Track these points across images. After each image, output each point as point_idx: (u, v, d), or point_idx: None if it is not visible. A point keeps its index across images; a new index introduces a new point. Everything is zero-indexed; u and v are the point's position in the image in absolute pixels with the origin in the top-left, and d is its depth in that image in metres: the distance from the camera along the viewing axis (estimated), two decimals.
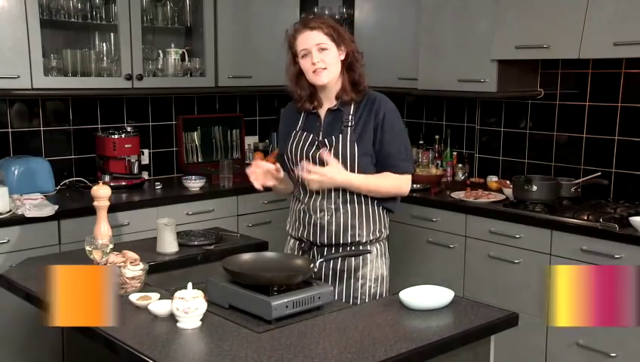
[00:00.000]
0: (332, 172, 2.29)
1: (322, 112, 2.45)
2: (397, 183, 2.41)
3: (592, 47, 3.25)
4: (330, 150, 2.36)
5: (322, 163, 2.35)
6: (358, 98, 2.40)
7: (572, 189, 3.60)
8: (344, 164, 2.35)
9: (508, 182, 3.89)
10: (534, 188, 3.46)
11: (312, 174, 2.27)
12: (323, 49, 2.33)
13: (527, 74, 3.86)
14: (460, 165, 4.27)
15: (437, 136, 4.37)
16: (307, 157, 2.40)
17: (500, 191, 3.83)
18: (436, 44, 3.96)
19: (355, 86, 2.40)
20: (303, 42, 2.35)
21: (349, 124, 2.38)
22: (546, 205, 3.43)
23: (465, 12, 3.82)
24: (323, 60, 2.33)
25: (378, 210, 2.45)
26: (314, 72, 2.35)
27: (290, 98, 2.55)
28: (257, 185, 2.41)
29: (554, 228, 3.27)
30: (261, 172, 2.42)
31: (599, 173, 3.64)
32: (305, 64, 2.36)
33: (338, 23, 2.42)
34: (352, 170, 2.36)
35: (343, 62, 2.38)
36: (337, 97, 2.41)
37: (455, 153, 4.32)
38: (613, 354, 3.10)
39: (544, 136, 3.95)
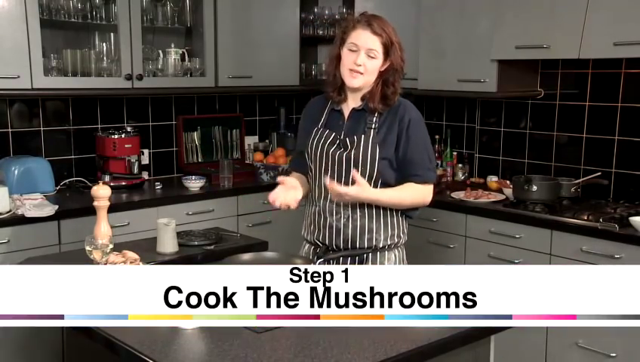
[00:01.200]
0: (358, 191, 2.23)
1: (346, 111, 2.40)
2: (420, 194, 2.36)
3: (592, 47, 3.25)
4: (351, 150, 2.33)
5: (340, 162, 2.34)
6: (382, 110, 2.35)
7: (572, 189, 3.60)
8: (364, 165, 2.32)
9: (508, 182, 3.89)
10: (534, 188, 3.46)
11: (337, 189, 2.23)
12: (372, 57, 2.29)
13: (527, 74, 3.86)
14: (460, 165, 4.27)
15: (437, 136, 4.37)
16: (328, 155, 2.37)
17: (500, 191, 3.83)
18: (436, 44, 3.96)
19: (384, 99, 2.35)
20: (357, 38, 2.30)
21: (373, 126, 2.34)
22: (546, 205, 3.43)
23: (465, 12, 3.82)
24: (365, 65, 2.29)
25: (397, 215, 2.40)
26: (351, 70, 2.31)
27: (313, 95, 2.53)
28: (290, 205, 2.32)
29: (554, 228, 3.27)
30: (285, 193, 2.33)
31: (599, 173, 3.64)
32: (347, 58, 2.31)
33: (396, 33, 2.34)
34: (372, 172, 2.32)
35: (381, 72, 2.34)
36: (363, 99, 2.37)
37: (455, 153, 4.31)
38: (613, 354, 3.10)
39: (544, 136, 3.95)
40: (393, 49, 2.31)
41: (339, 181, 2.35)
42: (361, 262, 2.38)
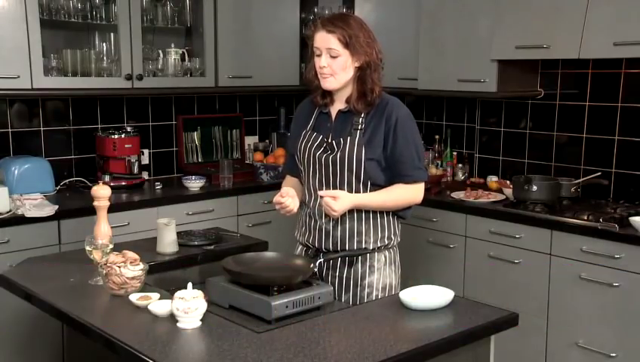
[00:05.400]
0: (337, 202, 2.22)
1: (333, 113, 2.41)
2: (408, 194, 2.35)
3: (592, 47, 3.25)
4: (337, 152, 2.33)
5: (327, 165, 2.34)
6: (365, 110, 2.33)
7: (572, 189, 3.60)
8: (350, 167, 2.31)
9: (508, 182, 3.89)
10: (534, 188, 3.46)
11: (326, 201, 2.21)
12: (333, 56, 2.28)
13: (527, 74, 3.86)
14: (460, 165, 4.27)
15: (437, 136, 4.37)
16: (315, 158, 2.37)
17: (500, 191, 3.83)
18: (436, 44, 3.96)
19: (362, 97, 2.33)
20: (317, 41, 2.31)
21: (359, 127, 2.33)
22: (546, 205, 3.43)
23: (465, 12, 3.82)
24: (330, 66, 2.28)
25: (387, 217, 2.40)
26: (321, 74, 2.32)
27: (304, 96, 2.55)
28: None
29: (554, 228, 3.27)
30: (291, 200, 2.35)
31: (599, 173, 3.64)
32: (316, 63, 2.33)
33: (362, 27, 2.33)
34: (359, 174, 2.32)
35: (357, 68, 2.32)
36: (348, 100, 2.37)
37: (455, 153, 4.32)
38: (613, 354, 3.10)
39: (544, 136, 3.95)
40: (353, 42, 2.27)
41: (327, 184, 2.36)
42: (350, 264, 2.39)
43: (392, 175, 2.35)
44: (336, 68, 2.29)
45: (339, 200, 2.23)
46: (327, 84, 2.32)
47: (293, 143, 2.50)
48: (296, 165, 2.49)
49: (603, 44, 3.20)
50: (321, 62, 2.29)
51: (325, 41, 2.28)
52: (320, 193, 2.28)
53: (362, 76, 2.32)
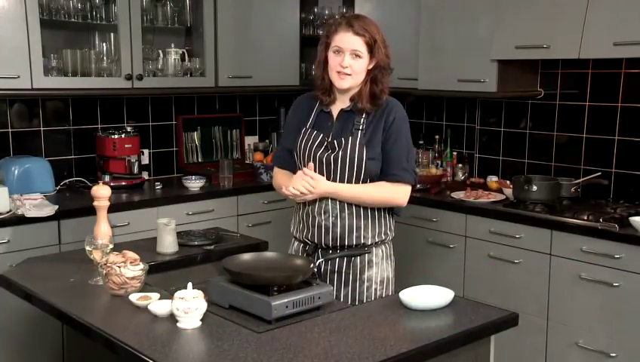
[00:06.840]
0: (316, 184, 2.30)
1: (335, 112, 2.42)
2: (389, 193, 2.37)
3: (592, 47, 3.25)
4: (338, 151, 2.35)
5: (328, 164, 2.35)
6: (372, 111, 2.37)
7: (572, 189, 3.60)
8: (351, 166, 2.33)
9: (508, 182, 3.89)
10: (534, 188, 3.46)
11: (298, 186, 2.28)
12: (357, 56, 2.31)
13: (527, 74, 3.86)
14: (460, 165, 4.27)
15: (437, 136, 4.37)
16: (315, 157, 2.38)
17: (500, 191, 3.83)
18: (436, 44, 3.96)
19: (373, 98, 2.36)
20: (340, 40, 2.31)
21: (360, 127, 2.35)
22: (546, 205, 3.43)
23: (465, 12, 3.82)
24: (351, 67, 2.31)
25: (384, 213, 2.44)
26: (338, 72, 2.32)
27: (302, 91, 2.56)
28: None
29: (554, 228, 3.27)
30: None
31: (599, 173, 3.64)
32: (333, 61, 2.33)
33: (379, 30, 2.36)
34: (359, 173, 2.34)
35: (369, 71, 2.35)
36: (352, 100, 2.38)
37: (455, 153, 4.32)
38: (613, 354, 3.10)
39: (544, 136, 3.95)
40: (377, 47, 2.32)
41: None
42: (349, 259, 2.41)
43: (381, 173, 2.38)
44: (356, 69, 2.32)
45: (318, 184, 2.30)
46: (345, 83, 2.34)
47: (289, 138, 2.50)
48: (289, 158, 2.50)
49: (603, 44, 3.20)
50: (344, 61, 2.30)
51: (352, 42, 2.30)
52: (304, 170, 2.32)
53: (374, 78, 2.36)
